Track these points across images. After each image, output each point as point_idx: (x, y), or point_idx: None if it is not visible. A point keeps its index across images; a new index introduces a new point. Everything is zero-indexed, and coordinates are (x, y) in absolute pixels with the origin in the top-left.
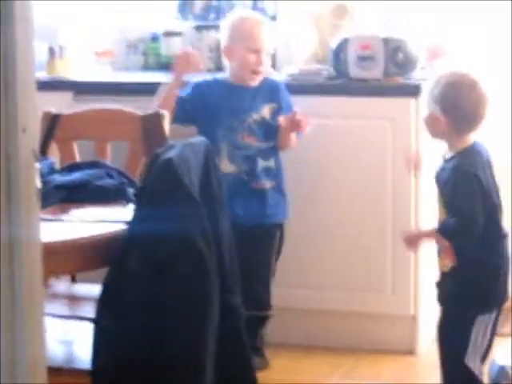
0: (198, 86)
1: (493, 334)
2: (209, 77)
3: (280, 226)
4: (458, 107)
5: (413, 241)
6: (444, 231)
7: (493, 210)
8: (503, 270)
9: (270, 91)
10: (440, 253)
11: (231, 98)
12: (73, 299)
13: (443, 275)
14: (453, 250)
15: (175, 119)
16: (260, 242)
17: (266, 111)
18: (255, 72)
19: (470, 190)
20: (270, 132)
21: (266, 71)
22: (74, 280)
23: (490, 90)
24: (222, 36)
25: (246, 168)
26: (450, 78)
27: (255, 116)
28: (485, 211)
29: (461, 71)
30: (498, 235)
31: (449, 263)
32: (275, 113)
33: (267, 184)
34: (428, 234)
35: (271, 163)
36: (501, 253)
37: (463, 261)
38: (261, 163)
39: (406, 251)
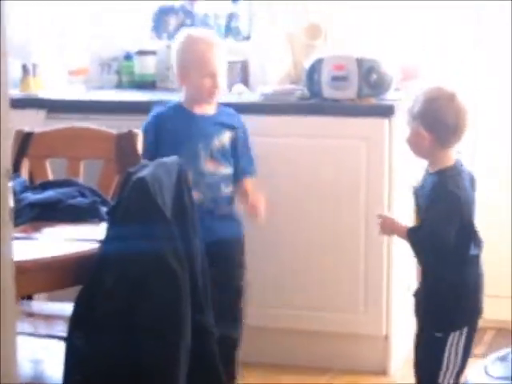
0: (157, 118)
1: (466, 350)
2: (163, 107)
3: (241, 244)
4: (439, 120)
5: (386, 227)
6: (412, 239)
7: (466, 230)
8: (470, 289)
9: (228, 118)
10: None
11: (192, 125)
12: (44, 318)
13: (418, 288)
14: (420, 266)
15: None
16: (226, 257)
17: (226, 138)
18: (212, 94)
19: (449, 212)
20: (229, 158)
21: (222, 92)
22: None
23: (469, 100)
24: (174, 60)
25: (211, 195)
26: (428, 94)
27: (216, 142)
28: (458, 232)
29: (437, 86)
30: (466, 256)
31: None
32: (233, 141)
33: (229, 209)
34: (400, 230)
35: (231, 189)
36: (468, 272)
37: (428, 277)
38: (223, 189)
39: (379, 236)
